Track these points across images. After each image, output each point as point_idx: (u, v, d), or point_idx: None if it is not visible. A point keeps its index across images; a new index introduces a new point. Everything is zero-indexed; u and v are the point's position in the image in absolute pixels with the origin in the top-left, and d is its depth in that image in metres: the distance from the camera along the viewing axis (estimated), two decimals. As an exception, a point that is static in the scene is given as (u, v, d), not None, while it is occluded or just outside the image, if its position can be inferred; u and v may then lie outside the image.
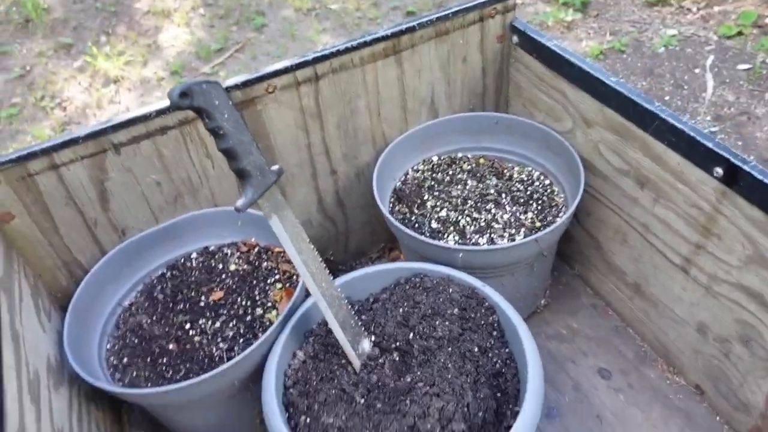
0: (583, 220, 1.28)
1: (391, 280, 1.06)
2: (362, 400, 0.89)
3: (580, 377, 1.22)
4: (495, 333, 0.97)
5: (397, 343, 0.96)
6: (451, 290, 1.00)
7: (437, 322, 0.97)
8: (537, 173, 1.28)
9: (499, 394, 0.91)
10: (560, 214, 1.19)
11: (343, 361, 0.95)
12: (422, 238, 1.06)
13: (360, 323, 0.96)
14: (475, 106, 1.34)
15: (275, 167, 0.80)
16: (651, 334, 1.22)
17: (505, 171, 1.31)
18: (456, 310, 0.98)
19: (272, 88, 1.06)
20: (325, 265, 0.90)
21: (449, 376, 0.90)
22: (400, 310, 1.00)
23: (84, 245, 1.08)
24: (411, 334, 0.97)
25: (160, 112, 0.99)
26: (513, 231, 1.16)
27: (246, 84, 1.03)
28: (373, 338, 0.98)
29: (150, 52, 3.37)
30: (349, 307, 0.94)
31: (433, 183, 1.28)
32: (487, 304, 0.99)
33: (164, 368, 1.03)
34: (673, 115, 0.95)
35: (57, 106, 3.05)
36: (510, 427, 0.85)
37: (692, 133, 0.92)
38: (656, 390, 1.18)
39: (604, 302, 1.34)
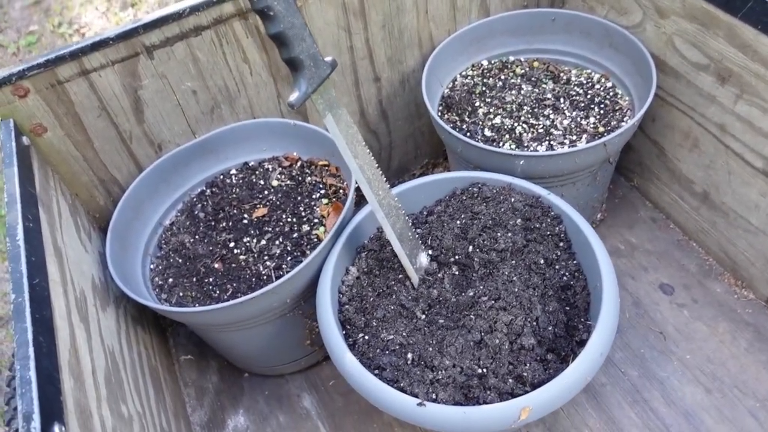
0: (646, 126, 1.19)
1: (446, 190, 0.99)
2: (423, 316, 0.85)
3: (639, 293, 1.16)
4: (562, 244, 0.90)
5: (456, 257, 0.91)
6: (513, 199, 0.93)
7: (499, 234, 0.90)
8: (597, 75, 1.18)
9: (567, 308, 0.86)
10: (625, 119, 1.09)
11: (400, 275, 0.89)
12: (479, 144, 0.98)
13: (417, 236, 0.90)
14: (529, 2, 1.22)
15: (329, 58, 0.72)
16: (717, 246, 1.15)
17: (562, 74, 1.20)
18: (519, 221, 0.91)
19: (312, -18, 0.96)
20: (381, 172, 0.83)
21: (515, 290, 0.84)
22: (458, 222, 0.94)
23: (120, 161, 1.02)
24: (471, 247, 0.91)
25: (194, 9, 0.90)
26: (574, 137, 1.07)
27: (284, -24, 0.93)
28: (430, 252, 0.92)
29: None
30: (407, 218, 0.87)
31: (484, 89, 1.18)
32: (553, 213, 0.92)
33: (210, 288, 0.99)
34: (769, -4, 0.84)
35: (75, 33, 2.94)
36: (583, 341, 0.80)
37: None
38: (722, 304, 1.12)
39: (664, 215, 1.26)
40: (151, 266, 1.05)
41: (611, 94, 1.14)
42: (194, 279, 1.00)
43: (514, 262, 0.88)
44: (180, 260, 1.03)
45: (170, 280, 1.01)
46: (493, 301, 0.83)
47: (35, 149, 0.92)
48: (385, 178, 0.84)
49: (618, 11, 1.11)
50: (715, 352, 1.06)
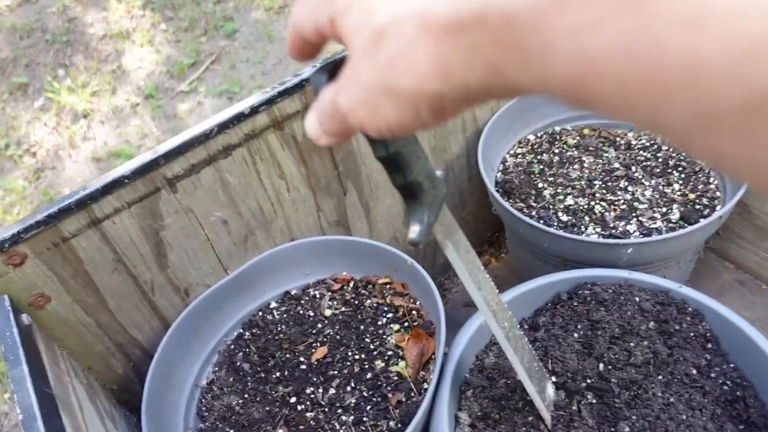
0: (721, 183, 1.07)
1: (546, 297, 0.83)
2: (579, 470, 0.66)
3: (753, 370, 1.01)
4: (710, 345, 0.74)
5: (588, 381, 0.73)
6: (637, 299, 0.77)
7: (632, 344, 0.74)
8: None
9: (742, 427, 0.69)
10: (710, 180, 0.97)
11: (529, 417, 0.71)
12: (579, 238, 0.82)
13: (541, 365, 0.73)
14: (569, 67, 1.11)
15: (439, 173, 0.56)
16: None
17: (618, 138, 1.08)
18: (652, 324, 0.75)
19: (355, 77, 0.81)
20: (501, 298, 0.66)
21: (681, 416, 0.67)
22: (575, 335, 0.77)
23: (140, 318, 0.82)
24: (601, 365, 0.74)
25: (223, 127, 0.74)
26: (664, 210, 0.93)
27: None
28: (554, 379, 0.74)
29: (116, 79, 3.07)
30: (530, 346, 0.70)
31: (542, 167, 1.04)
32: (690, 309, 0.76)
33: (279, 462, 0.78)
34: None
35: (25, 153, 2.73)
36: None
37: None
38: None
39: (752, 275, 1.13)
40: (195, 444, 0.83)
41: (684, 153, 1.02)
42: (254, 454, 0.79)
43: (661, 377, 0.72)
44: (233, 431, 0.82)
45: (224, 460, 0.80)
46: (655, 436, 0.65)
47: (36, 327, 0.71)
48: (505, 304, 0.67)
49: (677, 65, 1.01)
50: None
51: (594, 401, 0.73)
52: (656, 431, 0.66)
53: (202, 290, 0.86)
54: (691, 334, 0.74)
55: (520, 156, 1.08)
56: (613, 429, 0.69)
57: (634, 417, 0.69)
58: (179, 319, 0.84)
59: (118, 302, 0.78)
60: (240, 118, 0.75)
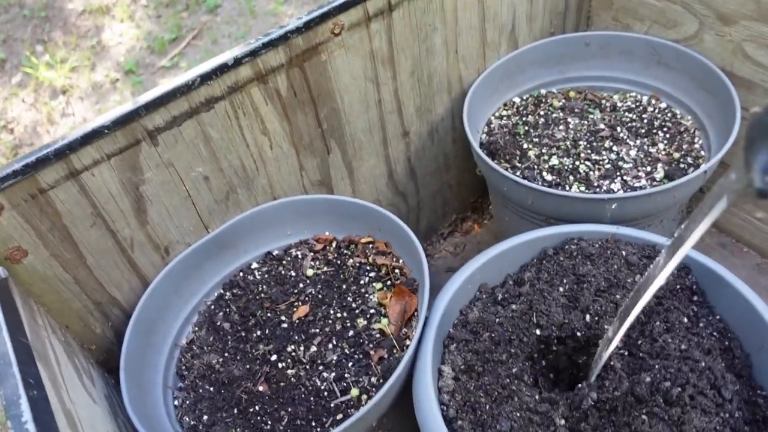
0: (705, 146, 1.07)
1: (532, 253, 0.82)
2: (562, 422, 0.66)
3: (735, 331, 1.02)
4: (696, 298, 0.74)
5: (576, 333, 0.73)
6: (624, 253, 0.77)
7: (618, 297, 0.74)
8: (645, 97, 1.06)
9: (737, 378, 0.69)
10: (695, 140, 0.97)
11: (514, 369, 0.71)
12: (563, 193, 0.82)
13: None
14: (555, 29, 1.10)
15: None
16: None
17: (604, 101, 1.08)
18: (638, 277, 0.75)
19: (339, 29, 0.79)
20: None
21: (693, 368, 0.66)
22: (561, 289, 0.77)
23: (119, 276, 0.80)
24: (587, 317, 0.74)
25: (206, 78, 0.72)
26: (648, 169, 0.93)
27: (309, 25, 0.76)
28: (538, 332, 0.74)
29: (96, 54, 3.00)
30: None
31: (527, 129, 1.04)
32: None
33: (260, 419, 0.77)
34: None
35: (3, 129, 2.68)
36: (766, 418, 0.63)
37: None
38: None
39: (734, 238, 1.14)
40: (176, 402, 0.82)
41: (669, 115, 1.02)
42: (236, 410, 0.79)
43: (658, 323, 0.72)
44: (212, 389, 0.81)
45: (205, 417, 0.79)
46: (677, 387, 0.64)
47: (14, 282, 0.69)
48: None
49: (663, 25, 1.00)
50: None
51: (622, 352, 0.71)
52: (669, 379, 0.65)
53: (182, 248, 0.85)
54: (678, 287, 0.74)
55: (505, 118, 1.07)
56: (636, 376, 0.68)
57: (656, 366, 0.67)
58: (159, 277, 0.82)
59: (97, 258, 0.77)
60: (223, 69, 0.73)
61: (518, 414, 0.66)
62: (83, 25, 3.21)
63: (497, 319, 0.76)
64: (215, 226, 0.87)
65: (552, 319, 0.74)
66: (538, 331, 0.74)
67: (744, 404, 0.64)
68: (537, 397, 0.68)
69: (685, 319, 0.71)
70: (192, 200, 0.81)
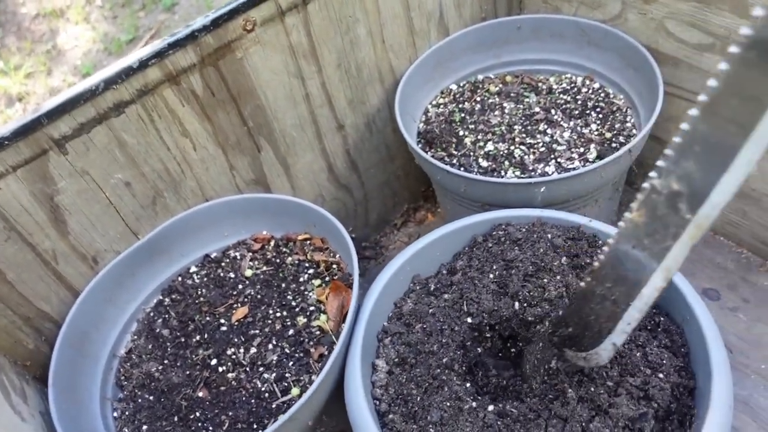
0: (642, 123, 1.07)
1: (463, 241, 0.82)
2: (492, 407, 0.66)
3: (680, 305, 1.03)
4: (622, 276, 0.75)
5: (505, 320, 0.73)
6: (549, 236, 0.77)
7: (546, 280, 0.74)
8: (580, 78, 1.06)
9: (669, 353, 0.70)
10: (628, 118, 0.97)
11: (444, 359, 0.71)
12: (492, 179, 0.82)
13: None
14: (487, 14, 1.09)
15: None
16: (751, 236, 1.03)
17: (540, 84, 1.07)
18: (564, 259, 0.75)
19: (251, 25, 0.78)
20: None
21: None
22: (491, 275, 0.77)
23: (46, 289, 0.79)
24: (516, 304, 0.74)
25: (110, 82, 0.70)
26: (582, 149, 0.93)
27: (218, 23, 0.75)
28: (469, 320, 0.74)
29: (52, 59, 2.95)
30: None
31: (463, 115, 1.03)
32: (600, 242, 0.76)
33: (201, 425, 0.77)
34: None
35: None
36: (691, 389, 0.64)
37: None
38: (776, 298, 1.00)
39: (678, 213, 1.14)
40: (115, 414, 0.81)
41: (602, 95, 1.02)
42: (176, 418, 0.78)
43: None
44: (151, 397, 0.80)
45: (145, 427, 0.78)
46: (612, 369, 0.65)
47: (-73, 302, 0.68)
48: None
49: (590, 6, 1.00)
50: (789, 355, 0.93)
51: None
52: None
53: (112, 257, 0.83)
54: (602, 267, 0.74)
55: (442, 106, 1.06)
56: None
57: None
58: (88, 288, 0.81)
59: (18, 273, 0.75)
60: (128, 72, 0.71)
61: (448, 404, 0.66)
62: (37, 30, 3.15)
63: (430, 310, 0.76)
64: (145, 232, 0.85)
65: (482, 306, 0.74)
66: (469, 320, 0.74)
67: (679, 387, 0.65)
68: (468, 386, 0.68)
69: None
70: (115, 207, 0.80)
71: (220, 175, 0.89)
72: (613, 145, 0.92)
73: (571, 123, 0.98)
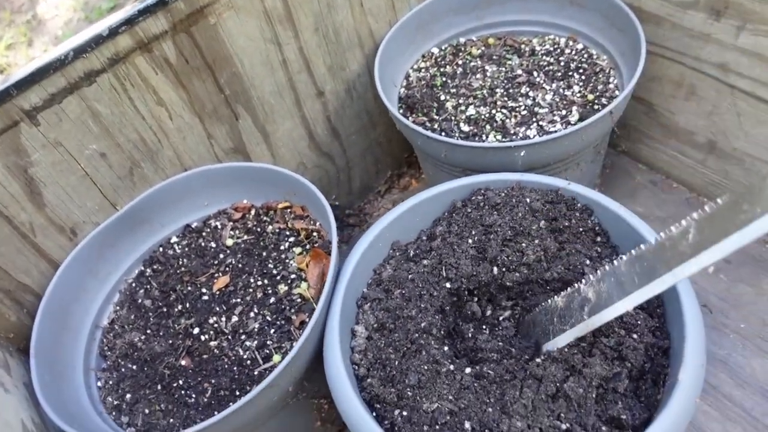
0: (626, 84, 1.06)
1: (443, 206, 0.82)
2: (469, 369, 0.67)
3: (662, 266, 1.03)
4: (599, 238, 0.75)
5: (484, 285, 0.74)
6: (528, 200, 0.77)
7: (524, 244, 0.74)
8: (563, 39, 1.04)
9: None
10: (610, 79, 0.96)
11: (422, 323, 0.71)
12: (472, 144, 0.81)
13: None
14: (469, -27, 1.07)
15: None
16: (733, 196, 1.03)
17: (523, 46, 1.06)
18: (543, 223, 0.75)
19: (224, -11, 0.76)
20: None
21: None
22: (470, 240, 0.77)
23: (25, 262, 0.79)
24: (495, 269, 0.74)
25: (79, 51, 0.68)
26: (564, 112, 0.92)
27: (188, -13, 0.73)
28: (448, 285, 0.74)
29: (32, 29, 2.89)
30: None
31: (444, 79, 1.02)
32: (579, 204, 0.76)
33: (184, 393, 0.77)
34: None
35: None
36: (666, 349, 0.65)
37: None
38: (758, 259, 1.00)
39: (663, 175, 1.14)
40: (99, 384, 0.81)
41: (586, 56, 1.00)
42: (159, 387, 0.79)
43: (561, 268, 0.72)
44: (134, 367, 0.81)
45: (128, 395, 0.79)
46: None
47: None
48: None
49: (574, -38, 0.98)
50: (768, 313, 0.94)
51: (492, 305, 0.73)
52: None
53: (90, 229, 0.83)
54: (581, 229, 0.75)
55: (423, 70, 1.05)
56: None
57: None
58: (67, 260, 0.81)
59: (-4, 247, 0.75)
60: (98, 40, 0.70)
61: (426, 367, 0.67)
62: (16, 0, 3.08)
63: (409, 276, 0.76)
64: (123, 203, 0.85)
65: (461, 271, 0.74)
66: (448, 285, 0.74)
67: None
68: (446, 349, 0.69)
69: (588, 261, 0.72)
70: (91, 178, 0.79)
71: (197, 144, 0.88)
72: (596, 107, 0.91)
73: (554, 85, 0.97)
